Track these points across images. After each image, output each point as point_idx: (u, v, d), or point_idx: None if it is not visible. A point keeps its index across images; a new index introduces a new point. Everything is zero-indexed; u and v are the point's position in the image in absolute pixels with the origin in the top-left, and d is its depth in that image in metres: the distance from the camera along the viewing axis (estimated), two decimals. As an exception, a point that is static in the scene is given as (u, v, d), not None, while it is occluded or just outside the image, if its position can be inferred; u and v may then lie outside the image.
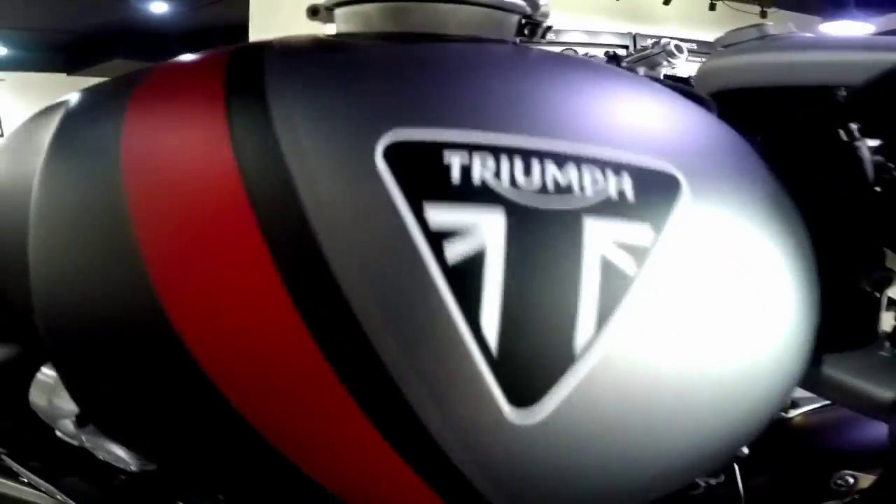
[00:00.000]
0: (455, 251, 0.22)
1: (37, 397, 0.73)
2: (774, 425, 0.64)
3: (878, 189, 0.39)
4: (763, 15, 4.73)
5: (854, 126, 0.40)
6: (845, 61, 0.38)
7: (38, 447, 0.96)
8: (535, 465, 0.24)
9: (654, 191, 0.26)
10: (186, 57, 0.32)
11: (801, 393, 0.57)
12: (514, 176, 0.23)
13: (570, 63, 0.43)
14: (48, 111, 0.34)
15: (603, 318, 0.24)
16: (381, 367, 0.22)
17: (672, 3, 5.01)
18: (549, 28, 0.44)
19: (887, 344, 0.44)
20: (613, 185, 0.24)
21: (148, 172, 0.26)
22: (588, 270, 0.23)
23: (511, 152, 0.23)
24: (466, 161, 0.23)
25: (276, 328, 0.23)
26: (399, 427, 0.23)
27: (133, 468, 0.67)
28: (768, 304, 0.30)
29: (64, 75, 8.17)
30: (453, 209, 0.22)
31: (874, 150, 0.40)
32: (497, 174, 0.23)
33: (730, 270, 0.28)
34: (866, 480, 0.60)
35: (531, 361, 0.23)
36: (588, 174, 0.24)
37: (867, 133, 0.40)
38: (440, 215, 0.22)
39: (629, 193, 0.24)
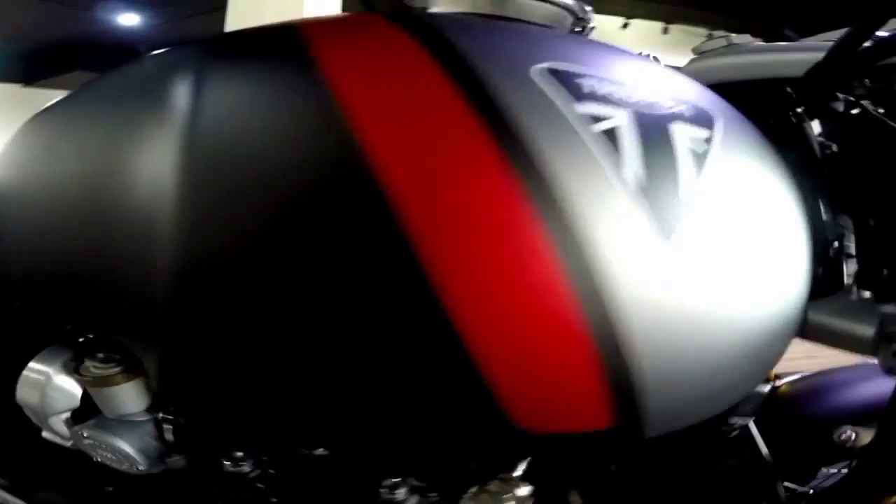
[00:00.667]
0: (599, 127, 0.31)
1: (27, 395, 0.69)
2: (773, 393, 0.68)
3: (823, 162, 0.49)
4: (710, 37, 5.12)
5: (800, 110, 0.50)
6: (788, 59, 0.50)
7: (12, 460, 0.90)
8: (673, 290, 0.31)
9: (702, 120, 0.36)
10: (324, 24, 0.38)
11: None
12: (630, 94, 0.34)
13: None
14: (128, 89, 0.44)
15: (699, 169, 0.33)
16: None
17: (629, 27, 5.89)
18: (593, 28, 0.59)
19: (854, 289, 0.50)
20: (683, 109, 0.35)
21: (370, 93, 0.30)
22: (682, 151, 0.33)
23: (621, 83, 0.34)
24: (600, 83, 0.33)
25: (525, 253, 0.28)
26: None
27: (140, 467, 0.63)
28: (788, 209, 0.39)
29: (19, 86, 7.91)
30: (598, 105, 0.32)
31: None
32: (619, 91, 0.34)
33: (756, 184, 0.38)
34: (866, 435, 0.65)
35: (662, 195, 0.31)
36: (667, 97, 0.35)
37: (811, 116, 0.51)
38: (589, 108, 0.32)
39: (690, 116, 0.35)
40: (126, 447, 0.62)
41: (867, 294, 0.50)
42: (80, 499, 0.84)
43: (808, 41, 0.56)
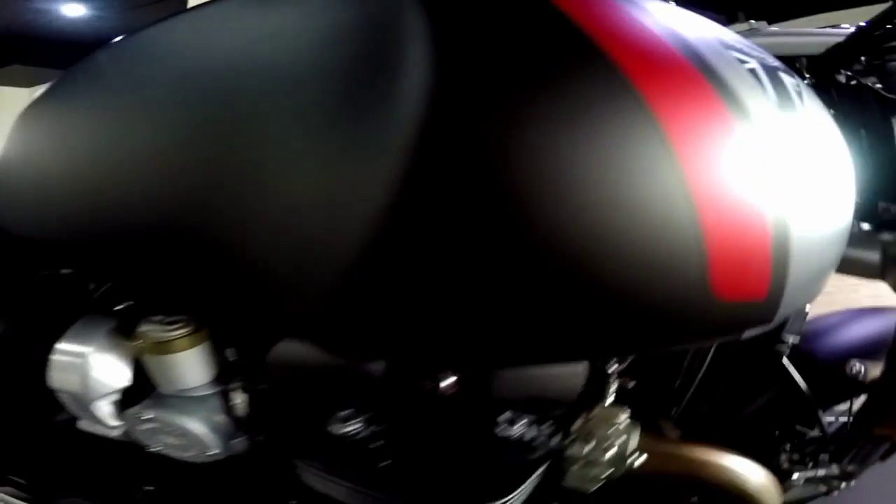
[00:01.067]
0: (746, 66, 0.39)
1: (63, 379, 0.61)
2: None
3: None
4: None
5: (806, 82, 0.59)
6: (807, 42, 0.61)
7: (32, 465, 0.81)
8: None
9: (791, 73, 0.45)
10: None
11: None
12: (751, 50, 0.42)
13: None
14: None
15: (801, 102, 0.41)
16: None
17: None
18: None
19: (855, 221, 0.58)
20: (779, 64, 0.44)
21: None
22: (790, 88, 0.41)
23: (742, 43, 0.43)
24: (736, 42, 0.42)
25: None
26: None
27: (210, 451, 0.58)
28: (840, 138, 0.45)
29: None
30: (741, 54, 0.41)
31: None
32: (745, 48, 0.42)
33: (825, 119, 0.44)
34: (874, 368, 0.71)
35: (787, 112, 0.39)
36: (769, 56, 0.44)
37: (816, 87, 0.59)
38: (737, 56, 0.41)
39: (784, 69, 0.44)
40: (196, 426, 0.57)
41: (866, 226, 0.60)
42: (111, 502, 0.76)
43: (817, 29, 0.68)
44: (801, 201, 0.36)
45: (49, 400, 0.63)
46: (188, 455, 0.59)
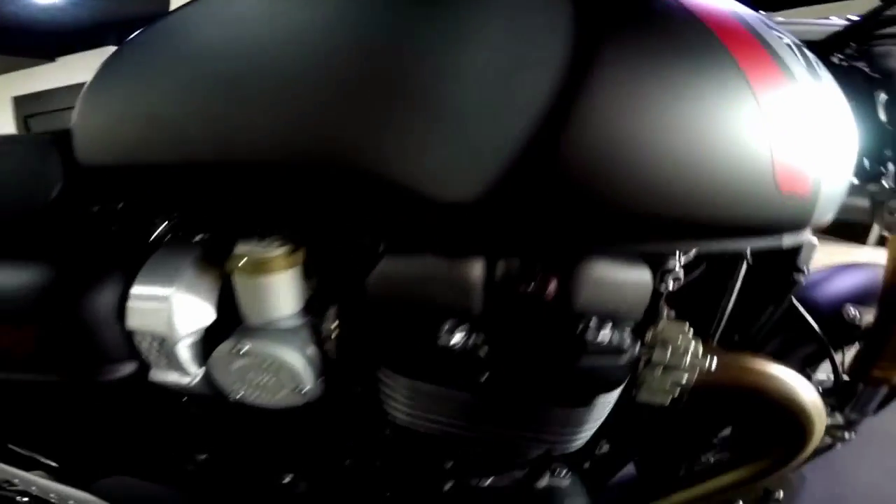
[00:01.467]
0: (784, 41, 0.52)
1: (146, 320, 0.58)
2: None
3: None
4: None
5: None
6: (811, 29, 0.72)
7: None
8: None
9: (806, 48, 0.55)
10: None
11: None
12: (780, 28, 0.55)
13: None
14: None
15: (820, 70, 0.53)
16: None
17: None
18: None
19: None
20: (799, 43, 0.55)
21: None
22: (812, 60, 0.53)
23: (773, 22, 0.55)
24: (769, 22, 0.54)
25: None
26: None
27: (306, 389, 0.58)
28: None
29: None
30: (778, 33, 0.53)
31: None
32: (777, 26, 0.55)
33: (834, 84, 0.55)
34: (867, 314, 0.81)
35: (814, 75, 0.51)
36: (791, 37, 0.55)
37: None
38: (777, 34, 0.53)
39: (801, 45, 0.55)
40: (294, 358, 0.56)
41: (855, 180, 0.69)
42: (159, 478, 0.75)
43: (814, 20, 0.79)
44: (830, 141, 0.49)
45: (114, 353, 0.61)
46: (276, 399, 0.59)
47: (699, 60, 0.46)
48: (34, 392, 0.66)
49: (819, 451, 0.93)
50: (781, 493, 1.05)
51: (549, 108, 0.44)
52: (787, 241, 0.52)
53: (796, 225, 0.50)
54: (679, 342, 0.55)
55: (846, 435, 0.88)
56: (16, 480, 0.82)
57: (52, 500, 0.82)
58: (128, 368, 0.62)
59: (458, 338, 0.52)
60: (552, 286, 0.50)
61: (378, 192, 0.46)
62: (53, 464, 0.81)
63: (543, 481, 0.75)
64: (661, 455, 0.84)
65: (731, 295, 0.61)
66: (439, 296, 0.52)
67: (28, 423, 0.73)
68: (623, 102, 0.44)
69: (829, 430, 0.86)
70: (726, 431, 0.88)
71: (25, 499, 0.88)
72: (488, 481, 0.74)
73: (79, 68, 6.36)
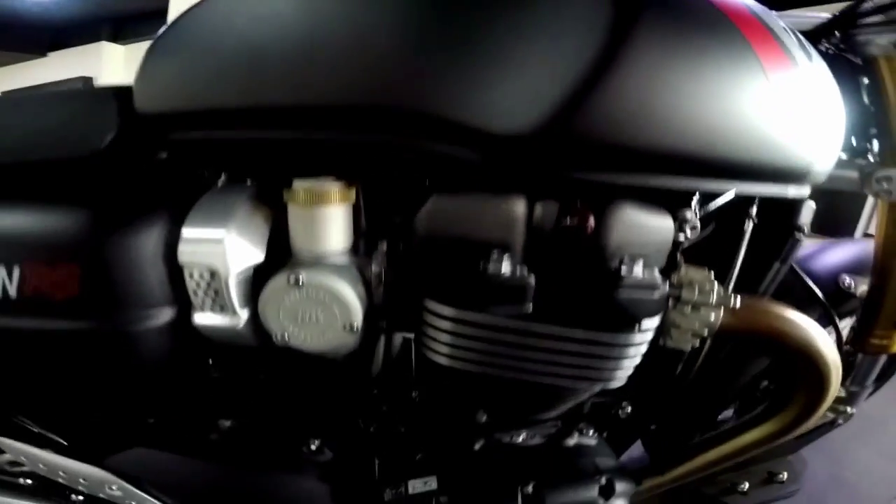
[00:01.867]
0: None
1: (199, 255, 0.58)
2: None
3: None
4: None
5: None
6: (800, 21, 0.79)
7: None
8: None
9: (801, 36, 0.63)
10: None
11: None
12: (777, 17, 0.61)
13: None
14: None
15: (813, 55, 0.60)
16: None
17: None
18: None
19: None
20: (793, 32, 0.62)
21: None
22: (807, 46, 0.61)
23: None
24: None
25: None
26: None
27: (356, 326, 0.58)
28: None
29: None
30: (778, 21, 0.60)
31: None
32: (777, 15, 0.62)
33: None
34: (862, 283, 0.86)
35: (813, 58, 0.60)
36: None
37: None
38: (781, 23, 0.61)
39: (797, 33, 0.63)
40: (348, 291, 0.58)
41: (843, 155, 0.77)
42: (180, 450, 0.73)
43: (802, 12, 0.86)
44: (825, 112, 0.57)
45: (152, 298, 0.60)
46: (325, 339, 0.60)
47: (720, 40, 0.54)
48: (60, 348, 0.65)
49: (821, 431, 0.96)
50: (785, 475, 1.08)
51: (597, 61, 0.51)
52: (792, 191, 0.59)
53: (798, 177, 0.58)
54: (704, 280, 0.59)
55: (847, 409, 0.92)
56: (22, 458, 0.79)
57: (62, 480, 0.78)
58: (167, 315, 0.62)
59: (505, 266, 0.55)
60: (591, 221, 0.55)
61: (440, 130, 0.52)
62: (63, 442, 0.77)
63: (572, 440, 0.76)
64: (680, 418, 0.86)
65: (740, 249, 0.65)
66: (486, 230, 0.56)
67: (43, 388, 0.71)
68: (659, 65, 0.52)
69: (832, 404, 0.88)
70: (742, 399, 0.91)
71: (30, 481, 0.84)
72: (520, 438, 0.75)
73: (70, 64, 6.26)
